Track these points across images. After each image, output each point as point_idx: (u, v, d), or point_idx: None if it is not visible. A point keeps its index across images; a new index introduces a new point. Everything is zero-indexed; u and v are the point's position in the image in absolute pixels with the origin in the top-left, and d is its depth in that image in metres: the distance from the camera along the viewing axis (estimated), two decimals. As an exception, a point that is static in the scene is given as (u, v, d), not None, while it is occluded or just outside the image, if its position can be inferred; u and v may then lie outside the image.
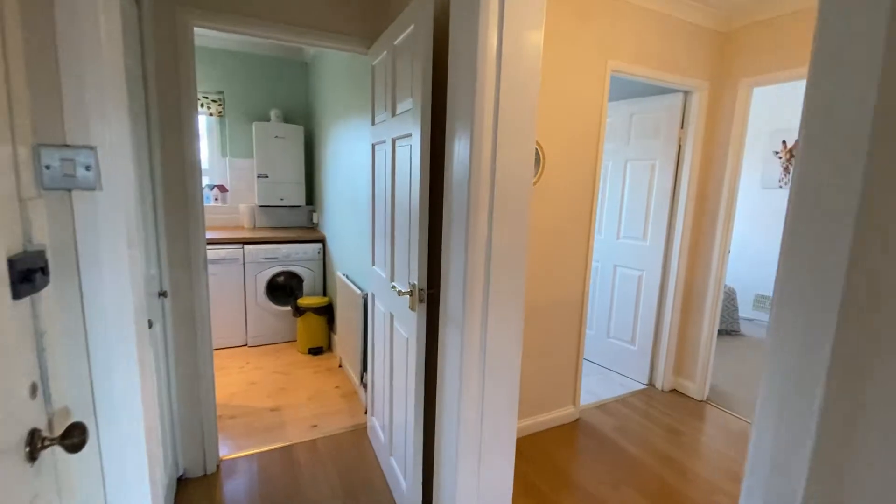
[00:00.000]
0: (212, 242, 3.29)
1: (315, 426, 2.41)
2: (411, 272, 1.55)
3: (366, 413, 2.54)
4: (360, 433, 2.36)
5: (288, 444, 2.25)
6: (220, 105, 3.83)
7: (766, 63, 2.51)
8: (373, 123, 2.01)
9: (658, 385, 3.04)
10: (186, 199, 1.82)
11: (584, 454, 2.27)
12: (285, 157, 3.77)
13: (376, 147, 1.98)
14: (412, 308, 1.53)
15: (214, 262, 3.29)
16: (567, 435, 2.45)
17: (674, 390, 3.03)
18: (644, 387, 3.06)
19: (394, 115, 1.70)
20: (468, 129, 1.26)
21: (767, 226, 4.53)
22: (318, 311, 3.34)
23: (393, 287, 1.65)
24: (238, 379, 2.94)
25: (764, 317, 4.55)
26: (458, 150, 1.32)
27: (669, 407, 2.80)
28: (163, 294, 1.72)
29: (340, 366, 3.17)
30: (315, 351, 3.40)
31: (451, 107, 1.37)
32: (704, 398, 2.91)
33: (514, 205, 1.32)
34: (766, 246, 4.54)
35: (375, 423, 2.18)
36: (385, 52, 1.77)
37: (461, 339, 1.34)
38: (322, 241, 3.68)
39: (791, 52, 2.40)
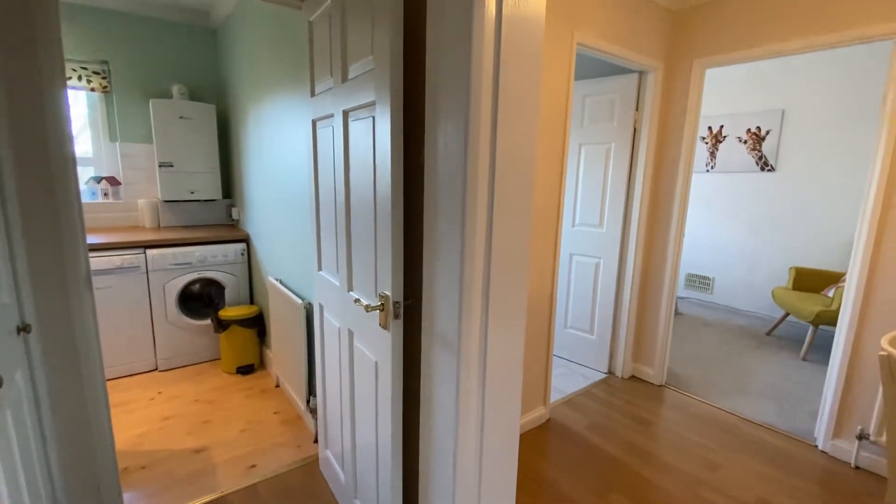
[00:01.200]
0: (102, 248, 2.65)
1: (253, 466, 2.00)
2: (380, 280, 1.23)
3: (315, 442, 2.17)
4: (310, 468, 1.99)
5: (220, 494, 1.82)
6: (103, 78, 3.11)
7: (718, 44, 2.48)
8: (312, 94, 1.62)
9: (618, 373, 3.00)
10: (55, 198, 1.31)
11: (564, 459, 2.12)
12: (194, 142, 3.17)
13: (318, 124, 1.60)
14: (384, 326, 1.21)
15: (107, 272, 2.66)
16: (541, 439, 2.28)
17: (633, 377, 3.01)
18: (605, 375, 3.01)
19: (345, 80, 1.34)
20: (462, 101, 0.96)
21: (697, 208, 4.75)
22: (245, 322, 2.85)
23: (356, 300, 1.31)
24: (148, 415, 2.39)
25: (696, 295, 4.81)
26: (447, 129, 1.02)
27: (633, 395, 2.76)
28: (24, 328, 1.22)
29: (278, 385, 2.73)
30: (245, 370, 2.91)
31: (432, 70, 1.06)
32: (663, 382, 2.91)
33: (518, 195, 1.05)
34: (696, 228, 4.77)
35: (330, 458, 1.83)
36: (329, 1, 1.39)
37: (457, 366, 1.05)
38: (245, 240, 3.16)
39: (742, 34, 2.38)
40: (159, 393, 2.64)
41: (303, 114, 2.04)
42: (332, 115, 1.46)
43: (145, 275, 2.79)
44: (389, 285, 1.17)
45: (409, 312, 1.30)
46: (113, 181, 3.22)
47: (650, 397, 2.75)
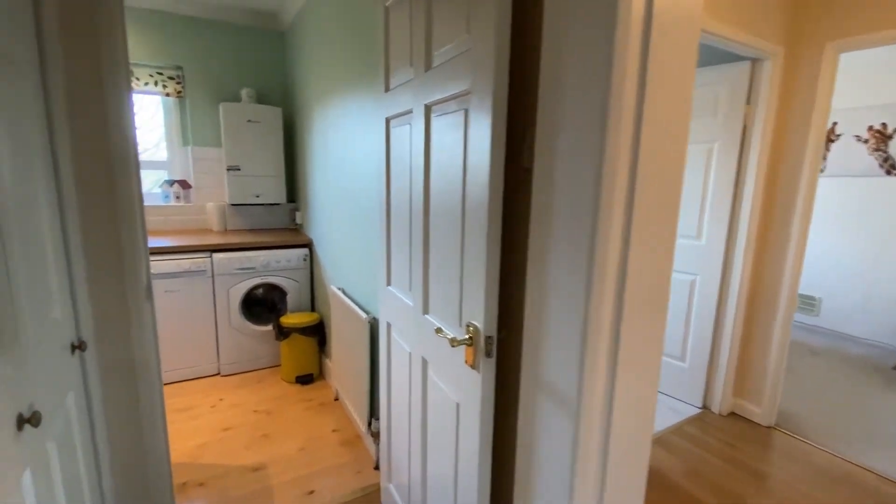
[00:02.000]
0: (172, 251, 2.66)
1: (312, 492, 1.85)
2: (467, 306, 1.01)
3: (376, 469, 1.99)
4: (371, 500, 1.81)
5: (276, 523, 1.68)
6: (178, 83, 3.16)
7: (856, 23, 2.04)
8: (386, 89, 1.45)
9: (715, 409, 2.59)
10: (116, 204, 1.22)
11: (661, 516, 1.79)
12: (261, 146, 3.14)
13: (393, 123, 1.42)
14: (472, 364, 0.99)
15: (175, 275, 2.67)
16: (629, 486, 1.96)
17: (733, 414, 2.58)
18: (699, 410, 2.61)
19: (428, 68, 1.14)
20: (601, 81, 0.72)
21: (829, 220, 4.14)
22: (306, 331, 2.76)
23: (437, 330, 1.10)
24: (209, 423, 2.34)
25: (798, 317, 4.19)
26: (574, 123, 0.78)
27: (736, 437, 2.35)
28: (79, 346, 1.12)
29: (337, 399, 2.61)
30: (304, 379, 2.82)
31: (550, 49, 0.83)
32: (773, 424, 2.47)
33: (661, 206, 0.79)
34: (819, 241, 4.15)
35: (394, 493, 1.64)
36: (411, -21, 1.21)
37: (574, 430, 0.81)
38: (308, 245, 3.08)
39: (889, 9, 1.94)
40: (221, 399, 2.60)
41: (373, 113, 1.88)
42: (409, 112, 1.27)
43: (211, 279, 2.78)
44: (480, 314, 0.95)
45: (500, 346, 1.07)
46: (184, 184, 3.27)
47: (757, 441, 2.32)
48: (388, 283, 1.55)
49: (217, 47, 3.18)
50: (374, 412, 2.05)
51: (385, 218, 1.53)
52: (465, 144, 0.98)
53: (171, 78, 3.14)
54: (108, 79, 1.19)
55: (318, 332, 2.83)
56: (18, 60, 0.96)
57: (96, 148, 1.17)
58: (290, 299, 3.02)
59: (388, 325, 1.57)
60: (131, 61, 3.00)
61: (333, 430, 2.29)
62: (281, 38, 3.38)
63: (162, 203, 3.22)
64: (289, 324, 2.73)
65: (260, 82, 3.35)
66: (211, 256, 2.77)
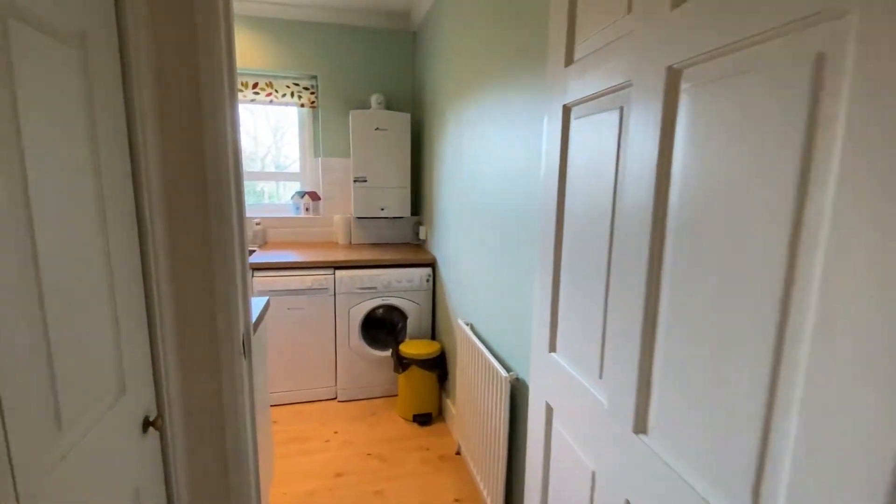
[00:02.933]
0: (297, 267, 2.54)
1: None
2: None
3: (512, 577, 1.51)
4: None
5: None
6: (312, 93, 3.11)
7: None
8: (569, 62, 0.96)
9: None
10: (210, 238, 0.94)
11: None
12: (388, 155, 2.92)
13: (578, 111, 0.93)
14: None
15: (299, 292, 2.53)
16: None
17: None
18: None
19: (675, 5, 0.63)
20: None
21: None
22: (426, 364, 2.41)
23: (661, 460, 0.58)
24: (321, 464, 2.11)
25: None
26: None
27: None
28: (153, 423, 0.85)
29: (458, 453, 2.19)
30: (422, 419, 2.47)
31: None
32: None
33: None
34: None
35: None
36: None
37: None
38: (432, 264, 2.75)
39: None
40: (335, 433, 2.37)
41: (527, 109, 1.41)
42: (621, 87, 0.76)
43: (333, 297, 2.60)
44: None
45: None
46: (314, 196, 3.21)
47: None
48: (553, 350, 1.06)
49: (349, 53, 3.06)
50: (511, 497, 1.57)
51: (551, 249, 1.05)
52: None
53: (305, 88, 3.10)
54: (208, 93, 0.92)
55: (438, 366, 2.46)
56: (92, 44, 0.69)
57: (187, 162, 0.90)
58: (410, 323, 2.72)
59: (549, 408, 1.08)
60: (271, 73, 3.02)
61: (455, 501, 1.87)
62: (411, 39, 3.14)
63: (293, 214, 3.19)
64: (408, 354, 2.41)
65: (389, 87, 3.15)
66: (334, 273, 2.59)
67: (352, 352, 2.67)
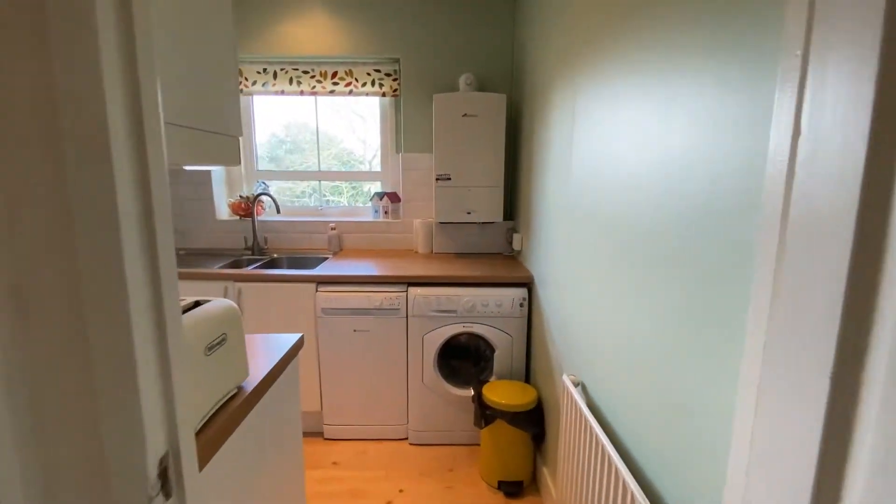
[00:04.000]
0: (366, 282, 2.14)
1: None
2: None
3: None
4: None
5: None
6: (394, 80, 2.71)
7: None
8: None
9: None
10: (76, 248, 0.48)
11: None
12: (477, 147, 2.39)
13: None
14: None
15: (367, 311, 2.13)
16: None
17: None
18: None
19: None
20: None
21: None
22: (517, 419, 1.83)
23: None
24: (377, 537, 1.66)
25: None
26: None
27: None
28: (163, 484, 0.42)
29: (559, 555, 1.58)
30: (510, 489, 1.90)
31: None
32: None
33: None
34: None
35: None
36: None
37: None
38: (528, 284, 2.16)
39: None
40: (400, 492, 1.91)
41: (729, 65, 0.76)
42: None
43: (405, 320, 2.15)
44: None
45: None
46: (394, 198, 2.82)
47: None
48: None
49: (435, 28, 2.59)
50: None
51: (834, 310, 0.41)
52: None
53: (387, 75, 2.71)
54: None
55: (533, 423, 1.86)
56: None
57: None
58: (499, 358, 2.16)
59: None
60: (351, 59, 2.68)
61: None
62: (511, 6, 2.57)
63: (372, 219, 2.83)
64: (494, 403, 1.86)
65: (481, 65, 2.62)
66: (406, 291, 2.14)
67: (426, 387, 2.19)
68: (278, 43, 2.62)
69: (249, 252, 2.68)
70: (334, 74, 2.72)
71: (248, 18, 2.60)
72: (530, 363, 2.20)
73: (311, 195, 3.02)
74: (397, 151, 2.83)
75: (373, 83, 2.73)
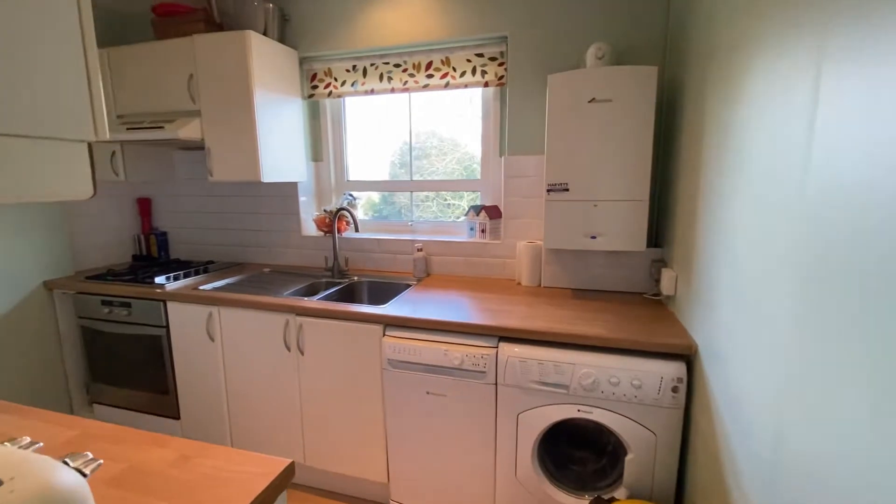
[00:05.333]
0: (441, 329, 1.60)
1: None
2: None
3: None
4: None
5: None
6: (500, 65, 2.14)
7: None
8: None
9: None
10: None
11: None
12: (610, 144, 1.67)
13: None
14: None
15: (443, 370, 1.59)
16: None
17: None
18: None
19: None
20: None
21: None
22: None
23: None
24: None
25: None
26: None
27: None
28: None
29: None
30: None
31: None
32: None
33: None
34: None
35: None
36: None
37: None
38: (688, 355, 1.38)
39: None
40: None
41: None
42: None
43: (493, 388, 1.55)
44: None
45: None
46: (494, 212, 2.23)
47: None
48: None
49: (556, -10, 1.94)
50: None
51: None
52: None
53: (492, 59, 2.15)
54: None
55: None
56: None
57: None
58: (634, 464, 1.42)
59: None
60: (449, 43, 2.18)
61: None
62: (669, -60, 1.79)
63: (465, 238, 2.29)
64: (623, 553, 1.15)
65: (619, 28, 1.89)
66: (497, 348, 1.54)
67: (519, 483, 1.56)
68: (366, 33, 2.25)
69: (329, 274, 2.36)
70: (428, 65, 2.25)
71: (330, 9, 2.28)
72: (685, 480, 1.41)
73: (431, 200, 2.57)
74: (500, 153, 2.25)
75: (473, 71, 2.19)
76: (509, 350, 1.51)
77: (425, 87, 2.27)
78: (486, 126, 2.30)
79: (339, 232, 2.40)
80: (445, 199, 2.49)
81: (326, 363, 1.82)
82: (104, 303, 2.19)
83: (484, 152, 2.33)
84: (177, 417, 2.17)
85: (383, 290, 2.24)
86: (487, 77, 2.17)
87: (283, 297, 1.94)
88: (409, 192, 2.54)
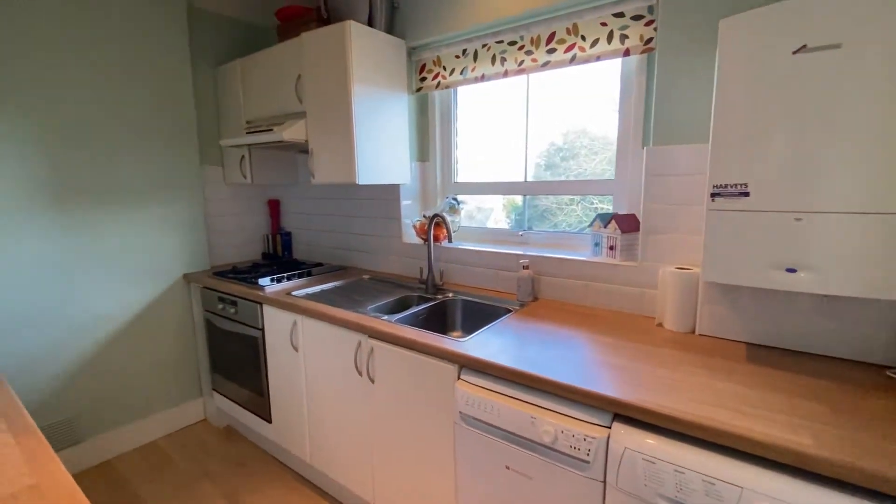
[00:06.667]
0: (542, 389, 1.15)
1: None
2: None
3: None
4: None
5: None
6: (648, 24, 1.57)
7: None
8: None
9: None
10: None
11: None
12: (835, 117, 1.00)
13: None
14: None
15: (530, 445, 1.14)
16: None
17: None
18: None
19: None
20: None
21: None
22: None
23: None
24: None
25: None
26: None
27: None
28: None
29: None
30: None
31: None
32: None
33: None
34: None
35: None
36: None
37: None
38: None
39: None
40: None
41: None
42: None
43: (600, 488, 1.04)
44: None
45: None
46: (629, 223, 1.67)
47: None
48: None
49: None
50: None
51: None
52: None
53: (636, 17, 1.59)
54: None
55: None
56: None
57: None
58: None
59: None
60: (576, 4, 1.70)
61: None
62: None
63: (587, 256, 1.77)
64: None
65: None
66: (610, 429, 1.03)
67: None
68: (478, 8, 1.90)
69: (423, 288, 2.09)
70: (550, 37, 1.80)
71: (438, -18, 1.99)
72: None
73: (576, 203, 2.13)
74: (644, 143, 1.67)
75: (609, 37, 1.66)
76: (629, 437, 0.99)
77: (545, 65, 1.83)
78: (625, 108, 1.74)
79: (436, 240, 2.11)
80: (592, 202, 1.98)
81: (396, 397, 1.53)
82: (220, 299, 2.30)
83: (621, 143, 1.77)
84: (269, 421, 2.15)
85: (477, 314, 1.87)
86: (629, 42, 1.61)
87: (365, 312, 1.72)
88: (551, 195, 2.11)
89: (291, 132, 2.04)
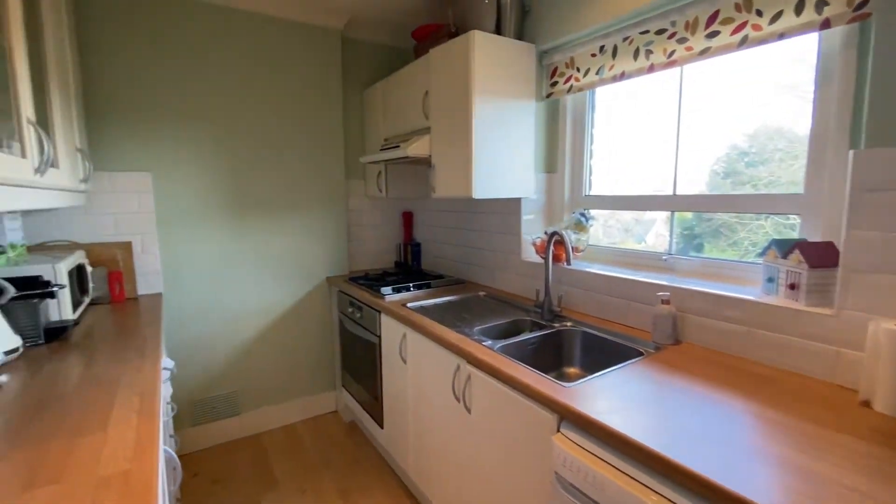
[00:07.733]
0: (667, 473, 0.89)
1: None
2: None
3: None
4: None
5: None
6: (863, -21, 1.13)
7: None
8: None
9: None
10: None
11: None
12: None
13: None
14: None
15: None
16: None
17: None
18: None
19: None
20: None
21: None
22: None
23: None
24: None
25: None
26: None
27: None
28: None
29: None
30: None
31: None
32: None
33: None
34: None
35: None
36: None
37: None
38: None
39: None
40: None
41: None
42: None
43: None
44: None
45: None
46: (821, 255, 1.21)
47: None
48: None
49: None
50: None
51: None
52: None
53: (844, -26, 1.16)
54: None
55: None
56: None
57: None
58: None
59: None
60: (743, -26, 1.34)
61: None
62: None
63: (757, 296, 1.36)
64: None
65: None
66: (762, 553, 0.72)
67: None
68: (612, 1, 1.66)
69: (539, 312, 1.89)
70: (712, 18, 1.45)
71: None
72: None
73: (764, 218, 1.82)
74: (851, 147, 1.20)
75: (798, 8, 1.25)
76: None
77: (703, 52, 1.48)
78: (823, 99, 1.29)
79: (557, 261, 1.89)
80: (788, 217, 1.54)
81: (492, 434, 1.38)
82: (350, 303, 2.48)
83: (815, 146, 1.32)
84: (381, 426, 2.21)
85: (600, 351, 1.60)
86: (829, 11, 1.19)
87: (470, 333, 1.62)
88: (708, 213, 1.76)
89: (415, 148, 2.08)
